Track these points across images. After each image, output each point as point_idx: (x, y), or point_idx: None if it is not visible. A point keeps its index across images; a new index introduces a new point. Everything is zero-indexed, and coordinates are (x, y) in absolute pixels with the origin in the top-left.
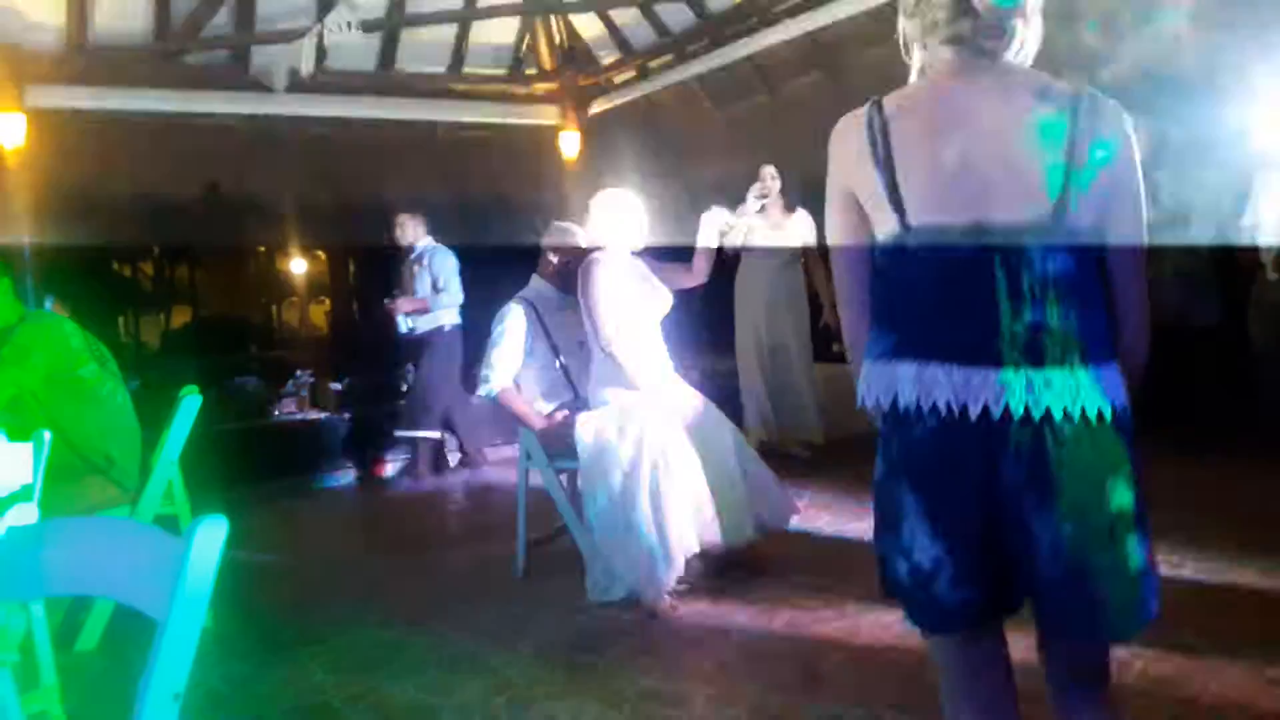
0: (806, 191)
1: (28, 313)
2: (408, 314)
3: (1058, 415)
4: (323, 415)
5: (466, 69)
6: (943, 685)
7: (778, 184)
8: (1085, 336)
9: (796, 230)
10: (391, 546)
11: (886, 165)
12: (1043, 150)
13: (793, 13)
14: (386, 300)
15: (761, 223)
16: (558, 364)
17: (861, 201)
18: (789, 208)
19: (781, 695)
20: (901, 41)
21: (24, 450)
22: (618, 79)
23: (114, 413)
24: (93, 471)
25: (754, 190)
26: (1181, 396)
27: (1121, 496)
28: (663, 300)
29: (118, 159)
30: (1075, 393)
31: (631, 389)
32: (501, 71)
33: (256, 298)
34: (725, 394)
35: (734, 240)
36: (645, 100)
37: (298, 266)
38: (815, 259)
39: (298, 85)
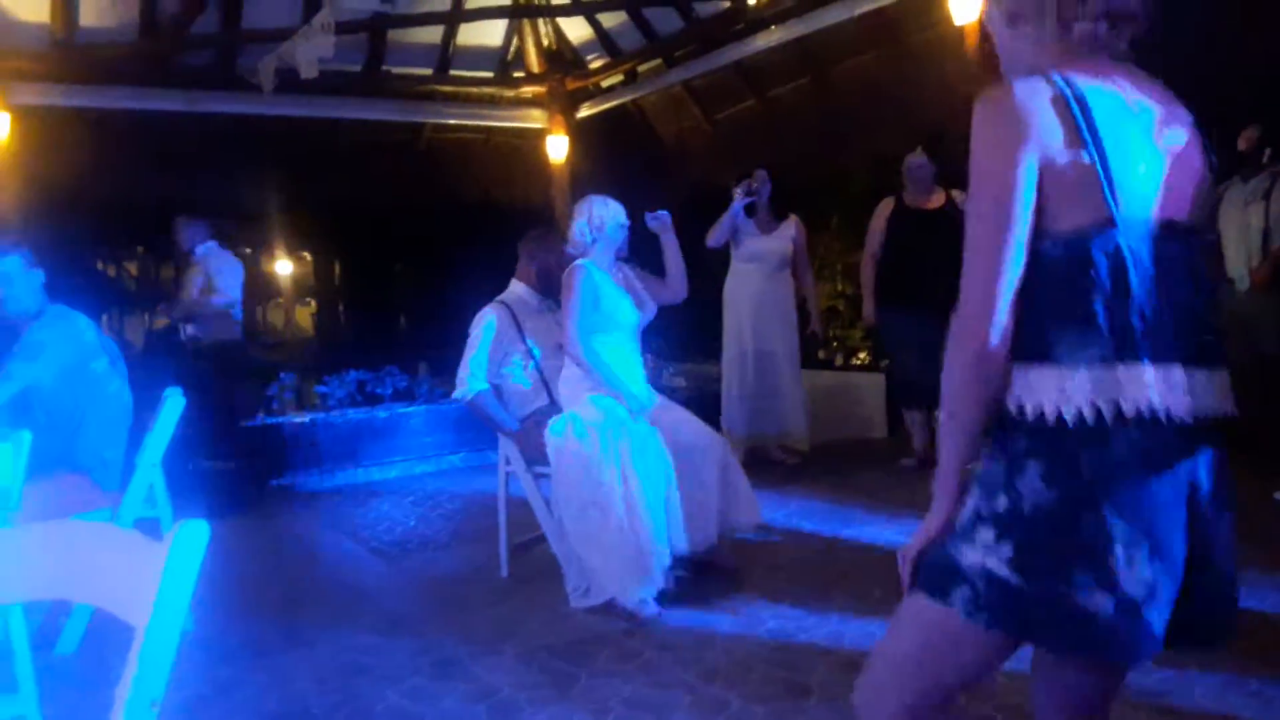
0: (795, 198)
1: (47, 307)
2: (179, 320)
3: (1224, 414)
4: (308, 417)
5: (454, 71)
6: (931, 672)
7: (767, 189)
8: (1222, 340)
9: (785, 235)
10: (377, 551)
11: (1097, 146)
12: (1197, 153)
13: (781, 19)
14: (159, 307)
15: (750, 228)
16: (534, 368)
17: (1052, 183)
18: (778, 214)
19: (765, 703)
20: (1001, 11)
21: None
22: (605, 83)
23: (116, 413)
24: (75, 471)
25: (740, 188)
26: None
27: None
28: (645, 310)
29: (102, 158)
30: (1229, 395)
31: (603, 395)
32: (489, 74)
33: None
34: (710, 397)
35: (717, 241)
36: (633, 104)
37: (283, 268)
38: (804, 265)
39: (283, 86)
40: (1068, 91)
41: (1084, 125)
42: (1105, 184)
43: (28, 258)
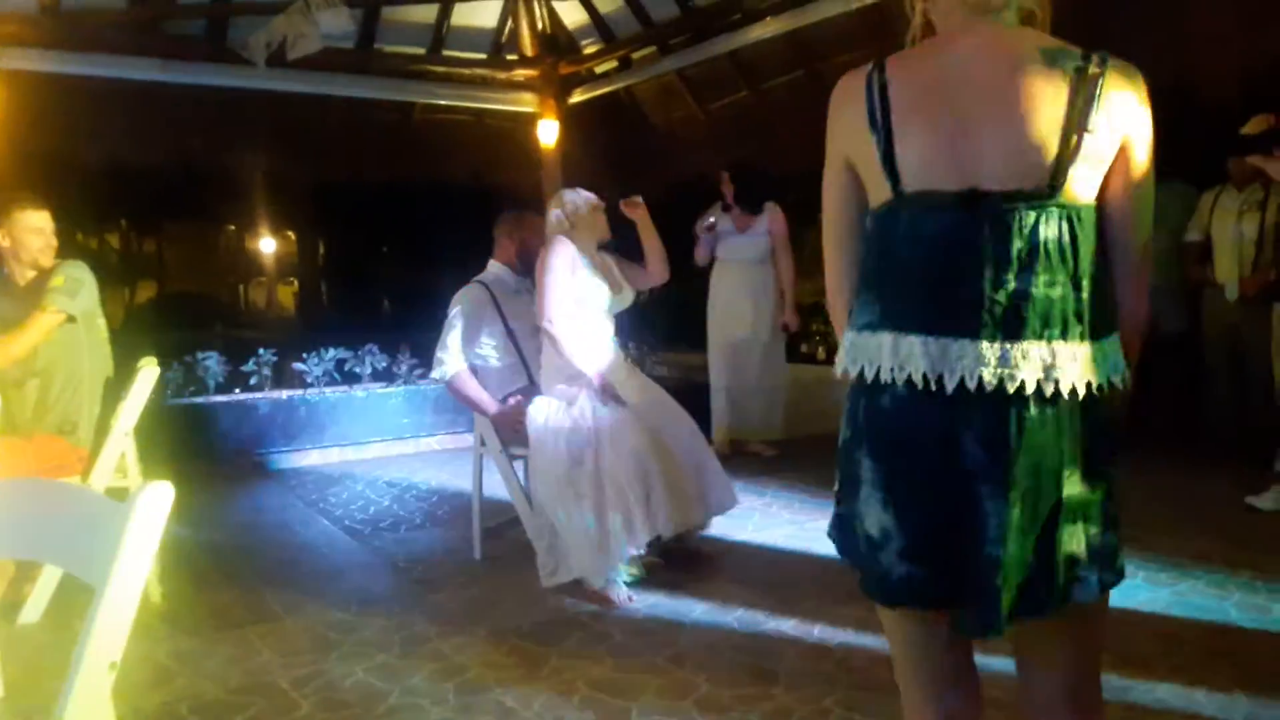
0: (786, 192)
1: (61, 261)
2: None
3: (1029, 389)
4: (285, 394)
5: (446, 51)
6: (894, 661)
7: (732, 189)
8: (1074, 310)
9: (760, 230)
10: (349, 530)
11: (884, 129)
12: (1042, 115)
13: (776, 10)
14: None
15: (728, 226)
16: (513, 349)
17: (858, 169)
18: (754, 207)
19: (732, 689)
20: None
21: None
22: (599, 69)
23: (103, 374)
24: (53, 432)
25: (704, 222)
26: (1140, 403)
27: (1075, 484)
28: (621, 295)
29: (87, 126)
30: (1050, 367)
31: (579, 375)
32: (482, 55)
33: (224, 276)
34: (698, 389)
35: (702, 260)
36: (626, 92)
37: (267, 246)
38: (784, 255)
39: (274, 60)
40: (873, 77)
41: (877, 109)
42: (885, 162)
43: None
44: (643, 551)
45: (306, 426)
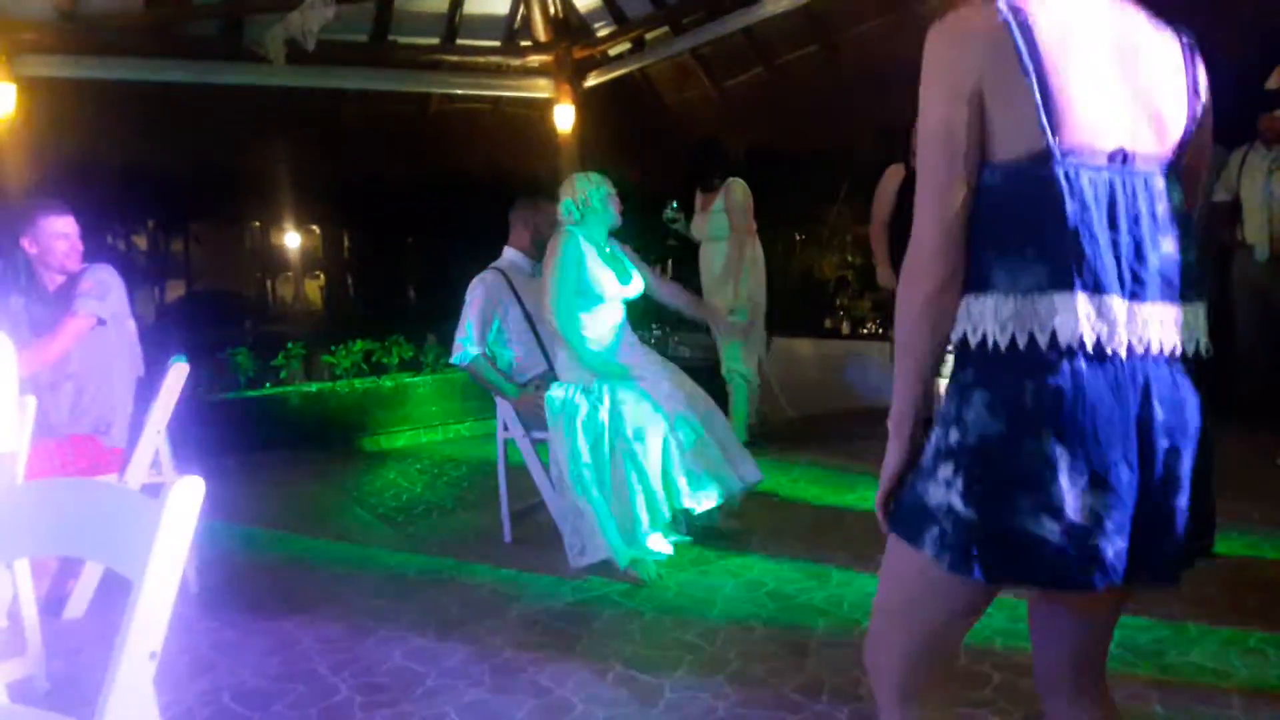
0: (803, 167)
1: (88, 265)
2: None
3: (1202, 349)
4: (314, 387)
5: (460, 40)
6: (919, 629)
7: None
8: (1197, 274)
9: (720, 205)
10: (382, 517)
11: (1039, 75)
12: (1178, 84)
13: None
14: None
15: (696, 207)
16: (531, 334)
17: (991, 111)
18: (709, 186)
19: (764, 664)
20: None
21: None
22: (613, 51)
23: (131, 374)
24: (86, 432)
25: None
26: None
27: (1213, 436)
28: (634, 283)
29: (109, 130)
30: (1195, 332)
31: (593, 360)
32: (495, 43)
33: (250, 272)
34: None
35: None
36: (640, 73)
37: (291, 241)
38: (739, 229)
39: (291, 57)
40: (1010, 17)
41: (1025, 52)
42: (1042, 112)
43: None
44: (670, 528)
45: (336, 418)
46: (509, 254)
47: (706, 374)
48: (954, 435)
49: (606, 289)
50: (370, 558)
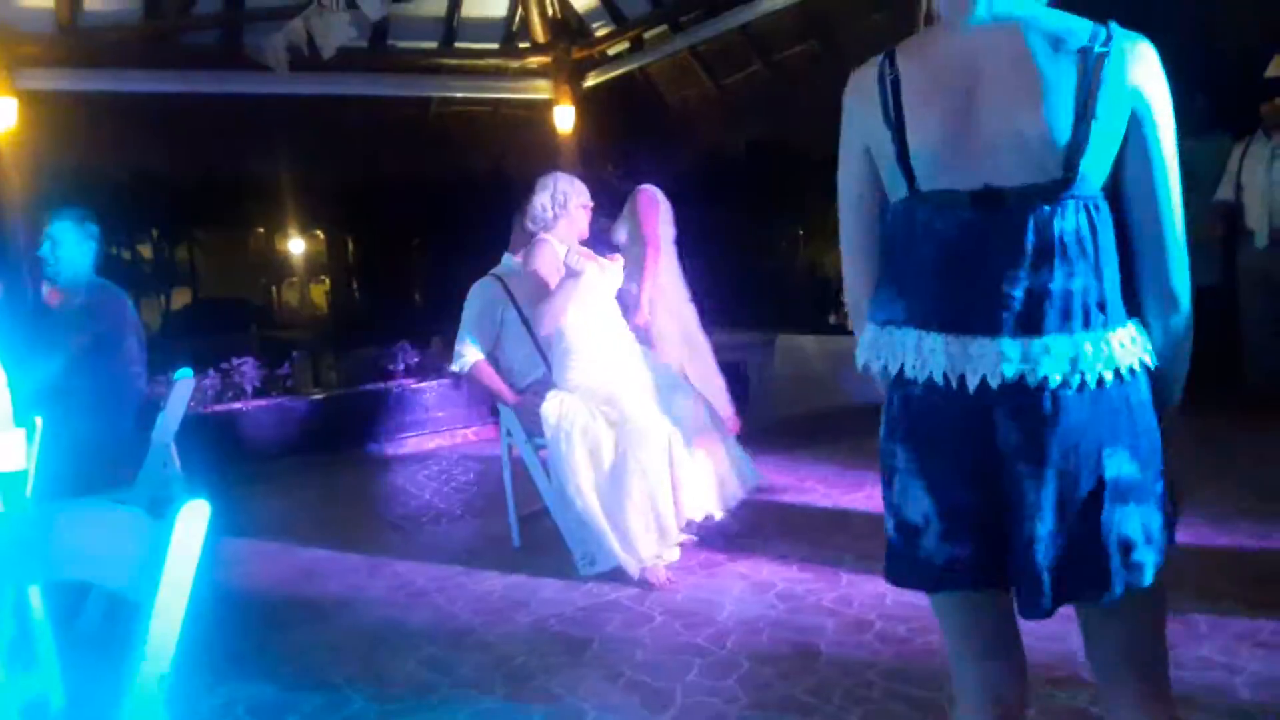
0: (803, 164)
1: (94, 280)
2: None
3: (1054, 383)
4: (322, 394)
5: (459, 43)
6: (944, 638)
7: (615, 171)
8: (1094, 299)
9: (626, 212)
10: (392, 524)
11: (897, 125)
12: (1051, 106)
13: None
14: None
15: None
16: (529, 338)
17: (877, 162)
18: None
19: (774, 666)
20: None
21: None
22: (611, 51)
23: (135, 393)
24: (91, 451)
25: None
26: None
27: (1119, 465)
28: (611, 275)
29: (111, 141)
30: (1076, 359)
31: (588, 368)
32: (494, 46)
33: (256, 278)
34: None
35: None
36: (640, 72)
37: (296, 247)
38: (641, 237)
39: (292, 64)
40: (886, 71)
41: (890, 104)
42: (897, 160)
43: (87, 228)
44: (677, 532)
45: (342, 425)
46: (507, 260)
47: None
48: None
49: (590, 282)
50: (380, 566)
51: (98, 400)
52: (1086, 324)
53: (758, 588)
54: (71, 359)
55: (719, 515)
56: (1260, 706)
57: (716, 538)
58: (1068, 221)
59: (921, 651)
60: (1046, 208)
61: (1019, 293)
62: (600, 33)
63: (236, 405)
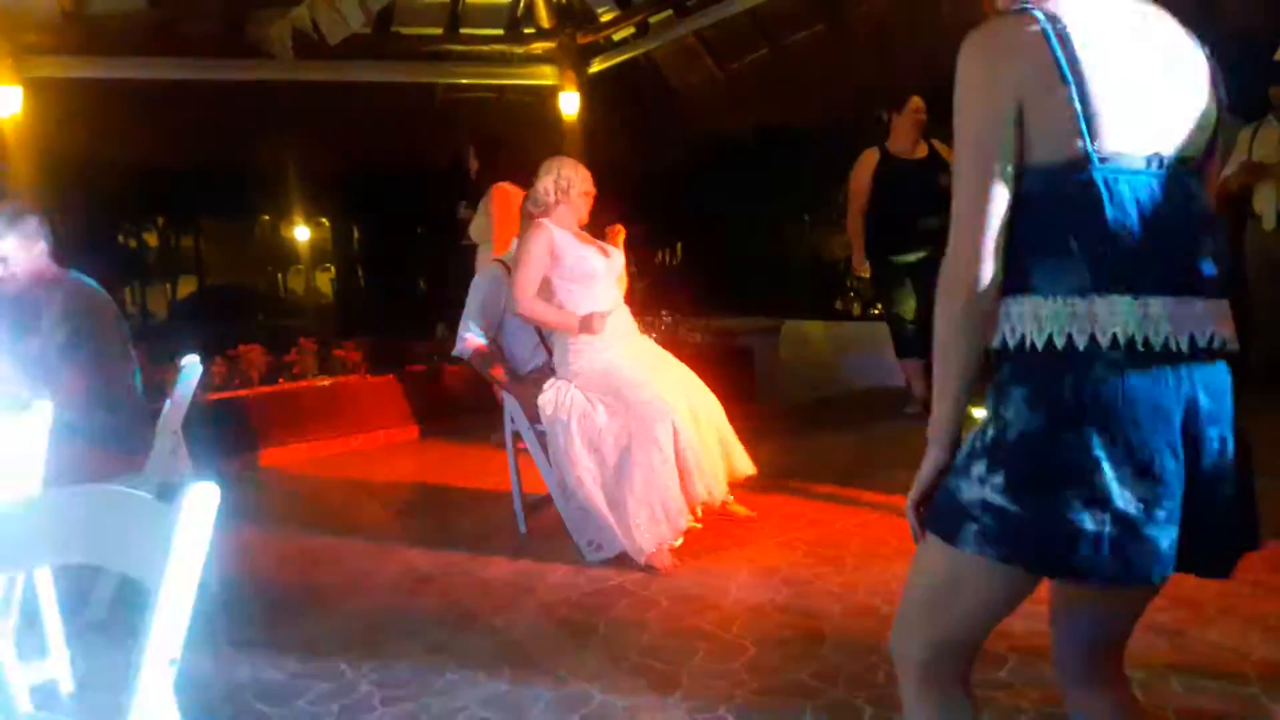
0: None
1: (66, 277)
2: None
3: (1227, 345)
4: (328, 382)
5: (463, 29)
6: (959, 615)
7: (476, 165)
8: (1227, 270)
9: (483, 208)
10: (397, 511)
11: (1077, 82)
12: (1202, 86)
13: None
14: None
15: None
16: (532, 327)
17: (1030, 120)
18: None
19: (779, 651)
20: None
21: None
22: (617, 36)
23: (124, 383)
24: (92, 443)
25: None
26: None
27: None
28: (613, 257)
29: (116, 129)
30: (1229, 324)
31: (591, 354)
32: (498, 31)
33: (262, 266)
34: (730, 353)
35: None
36: (645, 57)
37: (301, 234)
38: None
39: (297, 51)
40: (1049, 26)
41: (1063, 60)
42: (1080, 119)
43: (31, 224)
44: (682, 517)
45: (350, 412)
46: (514, 247)
47: (715, 358)
48: (990, 433)
49: (594, 265)
50: (386, 552)
51: (86, 397)
52: (1228, 291)
53: (763, 572)
54: (49, 357)
55: (725, 500)
56: (1270, 691)
57: (721, 522)
58: (1205, 195)
59: None
60: (1195, 178)
61: (1194, 259)
62: (605, 17)
63: (243, 392)
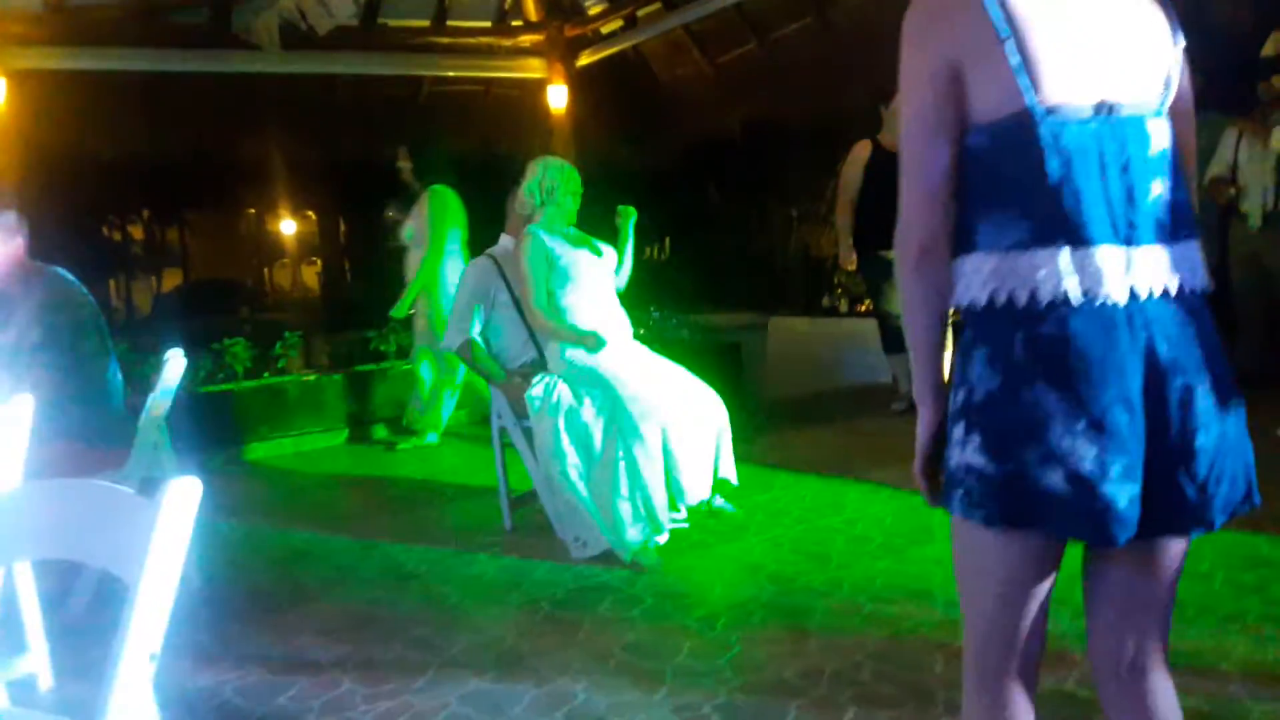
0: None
1: (47, 270)
2: None
3: (1188, 289)
4: (312, 376)
5: (451, 21)
6: (988, 606)
7: (410, 165)
8: (1189, 213)
9: (419, 212)
10: (382, 506)
11: (1015, 35)
12: (1155, 31)
13: None
14: None
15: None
16: (522, 321)
17: (968, 79)
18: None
19: (765, 647)
20: None
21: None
22: (605, 29)
23: (106, 379)
24: (72, 439)
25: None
26: None
27: (1228, 367)
28: (606, 256)
29: (100, 121)
30: (1195, 267)
31: (577, 352)
32: (486, 24)
33: (247, 259)
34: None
35: None
36: (633, 51)
37: (287, 228)
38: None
39: (283, 42)
40: None
41: (997, 14)
42: (1021, 72)
43: (9, 219)
44: (669, 515)
45: (335, 406)
46: (504, 241)
47: (708, 354)
48: (961, 395)
49: (585, 265)
50: (370, 548)
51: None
52: (1191, 234)
53: (748, 569)
54: (25, 352)
55: (712, 498)
56: (1250, 690)
57: (707, 520)
58: (1167, 139)
59: (911, 635)
60: (1152, 123)
61: (1153, 204)
62: (593, 10)
63: (227, 386)
